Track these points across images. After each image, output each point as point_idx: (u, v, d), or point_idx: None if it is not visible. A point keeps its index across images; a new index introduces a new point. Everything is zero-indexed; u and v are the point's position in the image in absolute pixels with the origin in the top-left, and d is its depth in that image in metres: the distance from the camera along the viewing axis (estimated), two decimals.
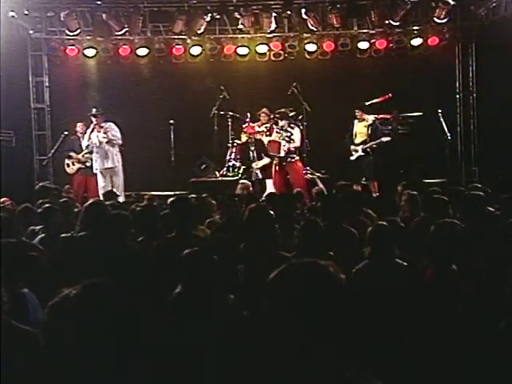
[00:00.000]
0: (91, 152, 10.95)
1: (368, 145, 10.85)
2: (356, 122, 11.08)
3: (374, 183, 10.69)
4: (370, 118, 11.01)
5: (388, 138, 10.83)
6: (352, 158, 11.03)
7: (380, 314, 3.58)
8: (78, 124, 11.18)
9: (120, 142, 10.86)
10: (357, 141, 11.02)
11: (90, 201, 4.95)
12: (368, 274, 4.00)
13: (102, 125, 10.72)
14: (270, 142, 11.03)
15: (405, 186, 7.32)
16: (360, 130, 11.04)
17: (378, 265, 4.06)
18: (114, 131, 10.81)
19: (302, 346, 1.61)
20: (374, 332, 3.45)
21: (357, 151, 10.99)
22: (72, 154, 11.16)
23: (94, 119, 10.72)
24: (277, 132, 11.04)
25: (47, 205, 5.80)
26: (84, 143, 10.86)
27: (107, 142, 10.72)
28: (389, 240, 4.13)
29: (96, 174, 10.90)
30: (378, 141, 10.81)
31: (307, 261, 1.72)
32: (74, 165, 11.18)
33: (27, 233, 5.51)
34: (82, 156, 11.12)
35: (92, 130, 10.72)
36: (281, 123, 11.05)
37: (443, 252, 3.88)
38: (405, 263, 4.13)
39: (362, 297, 3.77)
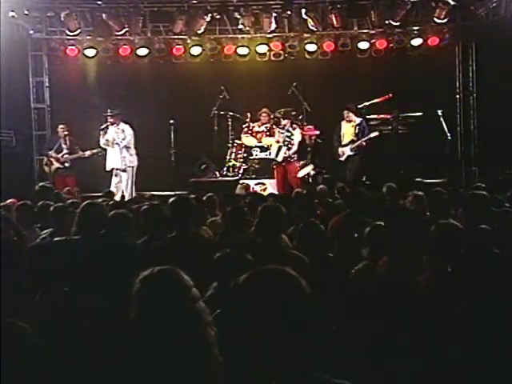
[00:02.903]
0: (70, 153, 11.10)
1: (356, 143, 10.89)
2: (343, 123, 11.16)
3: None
4: (358, 119, 11.07)
5: (376, 133, 10.90)
6: (341, 158, 11.10)
7: (380, 315, 3.57)
8: (60, 126, 11.28)
9: (124, 144, 11.01)
10: (344, 141, 11.09)
11: (86, 201, 4.94)
12: (367, 275, 3.99)
13: (119, 126, 10.98)
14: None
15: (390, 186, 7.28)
16: (347, 130, 11.11)
17: (376, 265, 4.05)
18: (123, 135, 10.99)
19: (270, 348, 1.65)
20: (374, 333, 3.45)
21: (344, 152, 11.05)
22: (51, 153, 11.24)
23: (110, 119, 10.95)
24: (279, 132, 11.12)
25: (60, 204, 5.80)
26: (101, 141, 11.05)
27: (116, 144, 10.97)
28: (387, 240, 4.13)
29: (75, 175, 11.16)
30: (366, 137, 10.86)
31: (272, 268, 1.76)
32: (52, 164, 11.26)
33: (28, 232, 5.50)
34: (62, 156, 11.20)
35: (106, 128, 10.98)
36: (283, 122, 11.11)
37: (443, 252, 3.87)
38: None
39: (361, 298, 3.78)
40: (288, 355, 1.66)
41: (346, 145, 11.04)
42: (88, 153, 11.14)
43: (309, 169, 11.23)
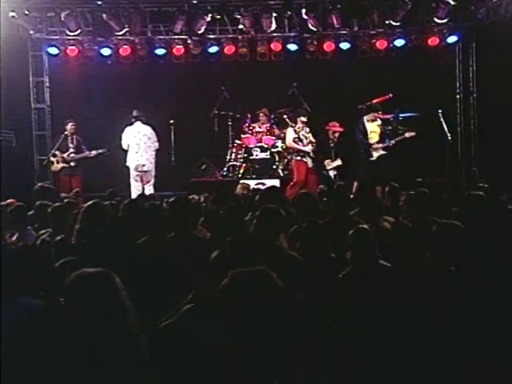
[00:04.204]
0: (77, 152, 11.22)
1: (393, 141, 10.57)
2: (366, 120, 10.78)
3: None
4: (378, 119, 10.93)
5: (412, 133, 10.52)
6: (373, 158, 10.67)
7: (369, 318, 3.57)
8: (70, 124, 11.29)
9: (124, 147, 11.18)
10: (372, 140, 10.73)
11: (91, 201, 4.95)
12: (353, 279, 3.98)
13: None
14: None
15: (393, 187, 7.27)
16: (373, 129, 10.78)
17: (361, 268, 4.04)
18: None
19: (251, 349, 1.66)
20: (362, 336, 3.45)
21: (377, 150, 10.68)
22: (57, 152, 11.26)
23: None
24: (303, 130, 10.95)
25: (58, 204, 5.80)
26: None
27: None
28: (369, 242, 4.10)
29: (81, 174, 11.29)
30: (401, 137, 10.56)
31: (252, 270, 1.76)
32: (58, 163, 11.30)
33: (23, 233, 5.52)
34: (67, 155, 11.22)
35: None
36: (303, 119, 10.91)
37: (446, 252, 3.86)
38: (389, 264, 4.11)
39: (350, 302, 3.78)
40: (273, 358, 1.66)
41: (376, 144, 10.70)
42: (94, 152, 11.18)
43: (338, 162, 11.24)
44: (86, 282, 2.17)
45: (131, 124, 11.18)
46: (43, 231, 5.46)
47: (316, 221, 4.70)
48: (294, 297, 1.77)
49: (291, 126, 11.06)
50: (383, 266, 4.09)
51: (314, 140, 10.96)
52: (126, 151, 11.19)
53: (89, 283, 2.17)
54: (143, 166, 11.17)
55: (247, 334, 1.64)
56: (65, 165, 11.26)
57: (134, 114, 11.17)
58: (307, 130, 10.96)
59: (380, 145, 10.70)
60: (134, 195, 10.25)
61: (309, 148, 10.88)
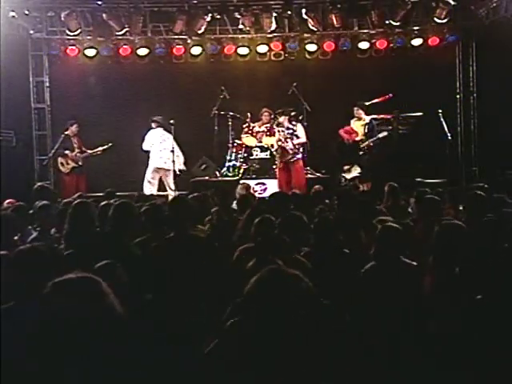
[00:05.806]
0: (81, 152, 11.25)
1: (365, 143, 10.78)
2: (353, 121, 11.02)
3: (367, 184, 10.50)
4: (367, 117, 10.97)
5: (385, 133, 10.71)
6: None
7: (388, 315, 3.56)
8: (74, 125, 11.27)
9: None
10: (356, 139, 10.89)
11: (77, 200, 4.96)
12: (376, 275, 3.97)
13: None
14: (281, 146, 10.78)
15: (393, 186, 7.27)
16: (357, 129, 10.96)
17: (385, 265, 4.03)
18: None
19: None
20: (383, 333, 3.45)
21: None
22: (67, 152, 11.25)
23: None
24: (279, 131, 10.87)
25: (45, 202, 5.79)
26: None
27: None
28: (394, 240, 4.09)
29: (86, 174, 11.32)
30: (374, 138, 10.75)
31: (278, 270, 1.75)
32: (68, 164, 11.29)
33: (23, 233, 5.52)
34: (75, 155, 11.23)
35: None
36: (280, 119, 10.93)
37: (447, 253, 3.85)
38: (414, 263, 4.10)
39: (370, 298, 3.77)
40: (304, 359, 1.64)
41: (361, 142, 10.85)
42: (100, 149, 11.20)
43: (357, 171, 11.15)
44: (71, 288, 2.05)
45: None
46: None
47: (328, 217, 4.73)
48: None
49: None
50: (406, 263, 4.08)
51: (298, 136, 10.70)
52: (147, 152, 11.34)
53: (74, 289, 2.05)
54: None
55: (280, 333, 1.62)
56: (75, 165, 11.26)
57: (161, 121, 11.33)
58: (295, 128, 10.76)
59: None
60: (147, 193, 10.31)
61: (274, 145, 10.92)
